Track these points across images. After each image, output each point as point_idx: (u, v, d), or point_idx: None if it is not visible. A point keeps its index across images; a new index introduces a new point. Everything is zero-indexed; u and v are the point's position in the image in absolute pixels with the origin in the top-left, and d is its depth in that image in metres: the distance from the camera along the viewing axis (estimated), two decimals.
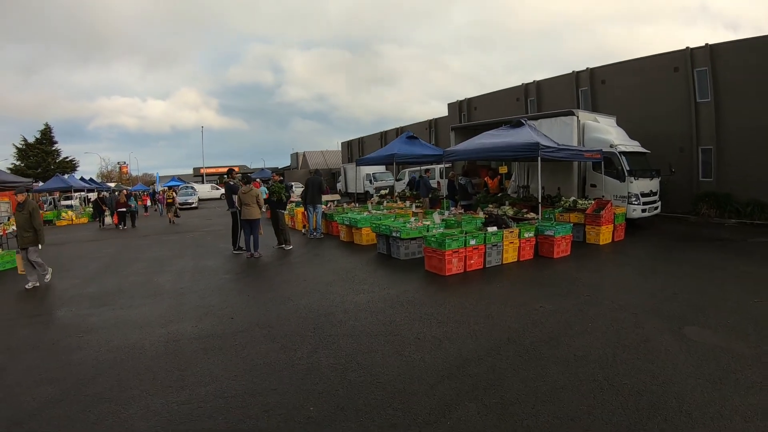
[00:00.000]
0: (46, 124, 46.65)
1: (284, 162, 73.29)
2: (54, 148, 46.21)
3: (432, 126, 38.41)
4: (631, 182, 13.43)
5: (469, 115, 29.94)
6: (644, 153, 14.85)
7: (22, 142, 44.49)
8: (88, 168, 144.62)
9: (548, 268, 8.86)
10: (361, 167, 33.00)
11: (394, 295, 7.24)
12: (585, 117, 14.89)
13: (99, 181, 55.51)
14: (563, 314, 6.10)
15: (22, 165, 43.26)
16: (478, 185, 17.14)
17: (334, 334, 5.65)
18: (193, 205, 34.46)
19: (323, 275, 8.91)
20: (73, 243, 16.70)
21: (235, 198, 11.33)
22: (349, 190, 34.91)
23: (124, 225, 20.95)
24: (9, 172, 42.64)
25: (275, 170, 65.87)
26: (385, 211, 14.41)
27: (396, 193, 22.46)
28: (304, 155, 63.96)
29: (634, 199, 13.45)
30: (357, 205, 17.44)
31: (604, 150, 13.30)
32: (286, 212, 12.21)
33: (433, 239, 8.42)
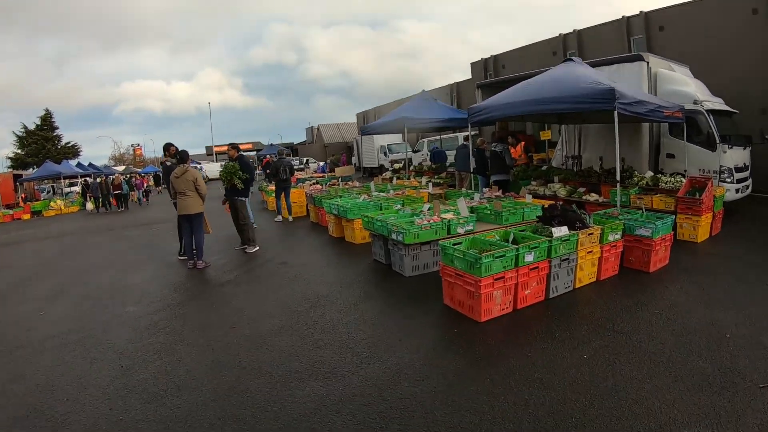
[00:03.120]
0: (46, 110, 43.76)
1: (301, 137, 69.91)
2: (55, 134, 43.41)
3: (453, 91, 34.01)
4: (724, 152, 9.43)
5: (496, 75, 25.63)
6: (732, 113, 10.71)
7: (22, 130, 41.89)
8: (103, 152, 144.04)
9: (657, 296, 5.13)
10: (376, 138, 29.36)
11: (382, 381, 3.64)
12: (657, 64, 10.74)
13: (110, 164, 53.72)
14: None
15: (22, 153, 40.73)
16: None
17: None
18: None
19: (274, 311, 5.37)
20: (27, 242, 13.80)
21: None
22: (364, 164, 31.20)
23: (120, 207, 22.21)
24: (9, 160, 41.06)
25: (289, 145, 62.56)
26: (391, 192, 10.72)
27: (411, 167, 18.73)
28: (318, 129, 60.42)
29: (727, 174, 9.46)
30: (358, 184, 13.73)
31: (685, 107, 9.35)
32: (245, 199, 8.63)
33: (457, 254, 4.72)
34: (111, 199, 22.78)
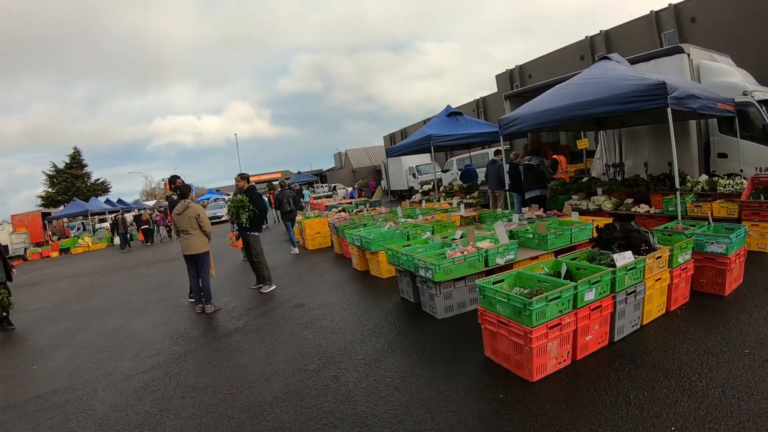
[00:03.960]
0: (75, 148, 44.59)
1: (330, 163, 69.94)
2: (84, 172, 44.32)
3: (479, 106, 33.20)
4: None
5: (522, 86, 24.65)
6: None
7: (52, 169, 42.97)
8: (135, 187, 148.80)
9: (742, 328, 4.00)
10: (403, 160, 28.58)
11: None
12: (699, 55, 9.61)
13: (141, 199, 54.73)
14: None
15: (53, 192, 41.72)
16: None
17: None
18: (223, 218, 30.85)
19: (281, 369, 4.50)
20: (46, 282, 13.58)
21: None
22: (392, 188, 30.40)
23: (147, 241, 22.51)
24: (41, 200, 42.10)
25: (317, 173, 62.57)
26: (419, 217, 9.80)
27: (441, 188, 17.78)
28: (346, 154, 60.31)
29: None
30: (384, 210, 12.86)
31: (735, 99, 8.21)
32: (258, 234, 7.86)
33: (499, 296, 3.74)
34: (139, 234, 23.40)
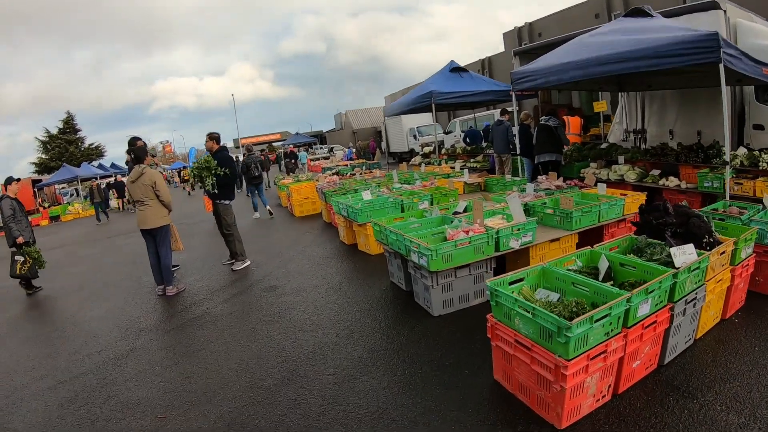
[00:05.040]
0: (68, 113, 42.70)
1: (331, 125, 68.01)
2: (77, 137, 42.76)
3: (485, 66, 31.30)
4: None
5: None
6: None
7: (45, 134, 41.50)
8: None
9: None
10: (404, 121, 27.17)
11: None
12: (735, 13, 8.14)
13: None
14: None
15: (46, 158, 40.44)
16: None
17: None
18: None
19: (231, 382, 3.52)
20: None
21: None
22: (392, 149, 29.09)
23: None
24: (34, 166, 40.85)
25: (317, 134, 60.93)
26: (418, 183, 8.70)
27: (443, 150, 16.58)
28: (346, 115, 58.48)
29: None
30: (380, 173, 11.71)
31: None
32: (229, 203, 6.81)
33: (521, 310, 2.64)
34: (120, 201, 22.40)
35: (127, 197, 20.84)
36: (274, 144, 58.38)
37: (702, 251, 3.12)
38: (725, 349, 3.21)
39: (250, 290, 5.80)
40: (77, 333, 5.24)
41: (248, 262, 6.98)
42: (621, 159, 8.09)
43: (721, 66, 5.11)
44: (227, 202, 6.81)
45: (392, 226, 4.88)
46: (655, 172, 7.36)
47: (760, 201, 5.42)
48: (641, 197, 5.21)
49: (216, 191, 6.54)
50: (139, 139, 6.95)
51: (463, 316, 4.12)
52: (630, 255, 3.27)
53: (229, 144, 71.04)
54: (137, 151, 6.01)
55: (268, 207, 11.96)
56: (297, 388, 3.31)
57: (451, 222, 4.71)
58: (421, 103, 12.48)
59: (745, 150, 6.78)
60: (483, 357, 3.29)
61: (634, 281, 2.90)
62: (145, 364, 4.13)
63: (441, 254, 3.88)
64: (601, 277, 3.01)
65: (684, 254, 2.97)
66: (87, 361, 4.38)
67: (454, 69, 12.96)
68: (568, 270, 3.12)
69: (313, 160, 28.56)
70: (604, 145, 9.52)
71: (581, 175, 8.09)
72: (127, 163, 7.81)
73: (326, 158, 30.28)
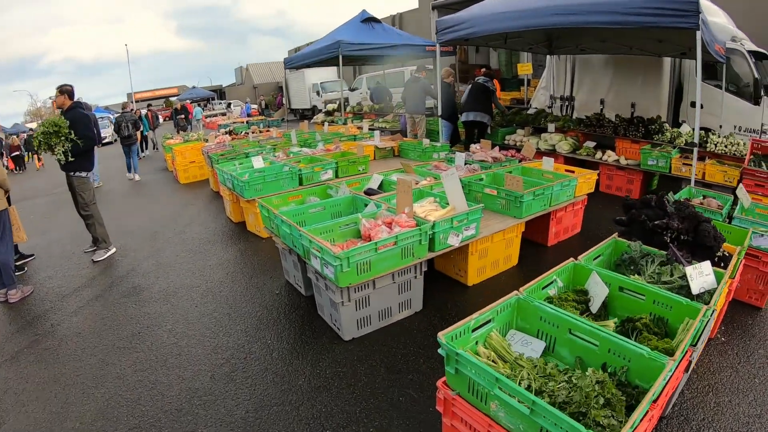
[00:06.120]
0: None
1: (232, 79, 62.71)
2: None
3: (396, 22, 29.82)
4: None
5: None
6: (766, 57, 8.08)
7: None
8: (21, 108, 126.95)
9: None
10: (307, 75, 25.19)
11: None
12: None
13: (27, 121, 45.67)
14: None
15: None
16: None
17: None
18: (106, 140, 25.29)
19: None
20: None
21: None
22: (293, 106, 27.03)
23: (17, 169, 19.50)
24: None
25: (216, 88, 55.87)
26: (320, 146, 7.39)
27: (347, 108, 15.25)
28: (248, 69, 54.40)
29: None
30: (277, 132, 10.15)
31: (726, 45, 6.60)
32: (87, 175, 5.09)
33: (509, 398, 1.59)
34: (9, 162, 19.85)
35: None
36: (171, 99, 52.57)
37: (718, 269, 2.27)
38: (725, 387, 2.45)
39: (109, 293, 4.23)
40: None
41: (113, 250, 5.34)
42: (551, 127, 7.41)
43: (698, 33, 4.52)
44: (84, 174, 5.07)
45: (286, 208, 3.62)
46: (590, 144, 6.74)
47: (711, 185, 4.94)
48: (593, 176, 4.40)
49: (71, 160, 4.81)
50: None
51: (385, 339, 3.03)
52: (634, 276, 2.32)
53: (123, 99, 63.25)
54: None
55: (135, 174, 10.86)
56: None
57: (366, 207, 3.55)
58: (327, 54, 11.00)
59: (689, 128, 6.31)
60: (423, 420, 2.24)
61: (645, 321, 1.97)
62: None
63: (354, 263, 2.71)
64: (595, 308, 2.04)
65: (701, 275, 2.10)
66: None
67: (367, 19, 11.55)
68: (556, 310, 2.10)
69: (208, 116, 25.71)
70: (531, 110, 8.83)
71: (506, 142, 7.30)
72: None
73: (223, 114, 27.52)
